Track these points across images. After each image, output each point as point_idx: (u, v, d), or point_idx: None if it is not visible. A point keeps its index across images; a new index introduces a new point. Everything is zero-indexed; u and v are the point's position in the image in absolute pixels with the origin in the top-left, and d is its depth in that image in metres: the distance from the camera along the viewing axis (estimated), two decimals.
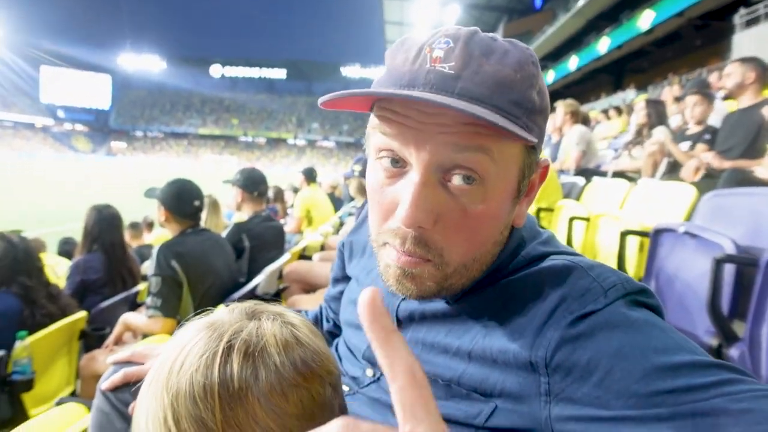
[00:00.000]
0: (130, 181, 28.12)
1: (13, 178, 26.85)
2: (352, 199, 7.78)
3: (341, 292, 0.99)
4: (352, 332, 0.85)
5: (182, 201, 2.45)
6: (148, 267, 2.44)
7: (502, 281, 0.67)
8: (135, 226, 6.66)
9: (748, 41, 11.67)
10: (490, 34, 0.61)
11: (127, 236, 6.55)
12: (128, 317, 2.37)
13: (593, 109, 14.42)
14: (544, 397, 0.55)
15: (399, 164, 0.60)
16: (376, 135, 0.61)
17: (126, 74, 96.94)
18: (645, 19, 19.18)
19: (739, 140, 2.99)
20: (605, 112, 10.59)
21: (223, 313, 0.57)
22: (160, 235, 6.25)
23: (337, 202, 7.74)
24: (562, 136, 5.28)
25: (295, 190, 9.20)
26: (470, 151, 0.56)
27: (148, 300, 2.24)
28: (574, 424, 0.52)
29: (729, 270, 1.48)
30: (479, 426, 0.60)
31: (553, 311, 0.58)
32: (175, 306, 2.26)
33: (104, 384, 0.86)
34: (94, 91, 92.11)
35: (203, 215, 2.80)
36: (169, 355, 0.53)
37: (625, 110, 9.33)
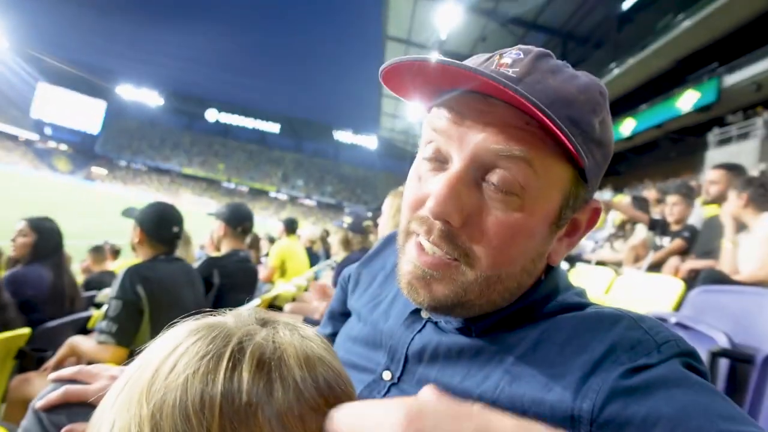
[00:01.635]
0: (102, 207, 27.54)
1: None
2: (328, 256, 7.69)
3: (334, 334, 0.91)
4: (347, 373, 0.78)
5: (161, 224, 2.35)
6: (106, 294, 2.30)
7: (533, 323, 0.61)
8: (98, 250, 6.38)
9: (719, 158, 12.39)
10: (563, 61, 0.61)
11: (89, 260, 6.32)
12: (76, 340, 2.17)
13: None
14: None
15: (441, 160, 0.59)
16: (428, 131, 0.60)
17: (122, 103, 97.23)
18: (626, 126, 20.34)
19: (717, 245, 3.10)
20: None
21: (224, 316, 0.47)
22: (124, 264, 6.02)
23: (313, 257, 7.65)
24: None
25: (271, 240, 9.11)
26: (513, 155, 0.54)
27: (103, 324, 2.07)
28: None
29: (722, 365, 1.46)
30: None
31: (600, 360, 0.52)
32: (130, 335, 2.09)
33: (39, 402, 0.71)
34: (86, 114, 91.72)
35: None
36: (153, 356, 0.43)
37: (603, 208, 9.65)
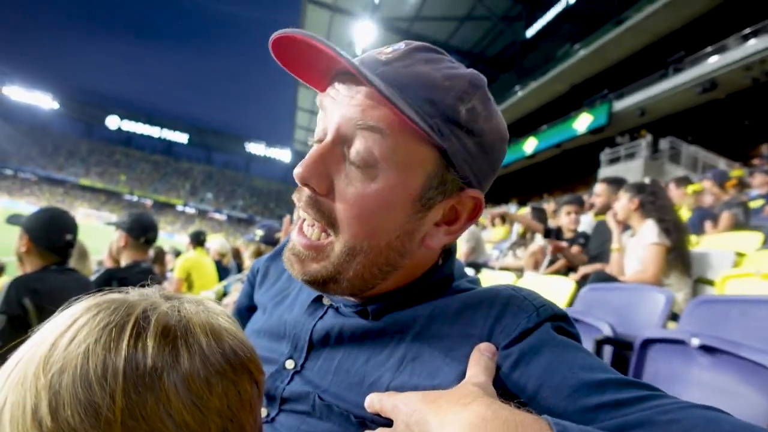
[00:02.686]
0: None
1: None
2: (240, 270, 7.45)
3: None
4: None
5: (52, 231, 2.14)
6: None
7: (427, 303, 0.65)
8: None
9: (610, 174, 13.62)
10: (449, 58, 0.64)
11: None
12: None
13: (481, 217, 15.64)
14: None
15: (322, 139, 0.62)
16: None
17: (9, 105, 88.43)
18: (529, 145, 21.75)
19: (606, 248, 3.42)
20: (492, 220, 11.56)
21: (126, 293, 0.46)
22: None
23: (223, 271, 7.38)
24: None
25: (177, 254, 8.68)
26: (368, 126, 0.57)
27: None
28: None
29: (607, 352, 1.61)
30: None
31: (488, 335, 0.58)
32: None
33: None
34: None
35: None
36: (48, 332, 0.40)
37: (508, 220, 10.24)
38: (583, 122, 18.05)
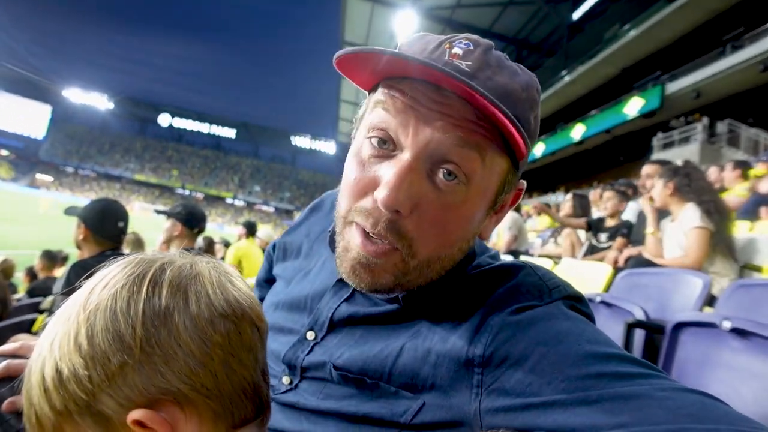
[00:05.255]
0: (47, 215, 26.35)
1: None
2: None
3: (261, 299, 0.94)
4: (272, 337, 0.79)
5: (106, 220, 2.32)
6: (51, 300, 2.23)
7: (452, 285, 0.67)
8: (49, 255, 6.13)
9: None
10: (504, 54, 0.62)
11: (39, 265, 6.08)
12: (22, 337, 2.12)
13: (526, 205, 15.34)
14: (475, 389, 0.55)
15: (388, 146, 0.59)
16: (376, 111, 0.60)
17: (68, 107, 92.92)
18: (577, 131, 21.07)
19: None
20: (536, 210, 11.27)
21: (149, 252, 0.55)
22: None
23: None
24: None
25: (227, 245, 8.98)
26: (468, 147, 0.56)
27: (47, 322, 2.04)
28: (503, 416, 0.52)
29: (639, 336, 1.59)
30: (405, 423, 0.59)
31: (498, 303, 0.60)
32: None
33: None
34: (30, 119, 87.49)
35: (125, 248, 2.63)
36: (88, 284, 0.50)
37: (555, 209, 10.00)
38: (633, 106, 17.33)
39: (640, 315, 1.60)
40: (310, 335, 0.72)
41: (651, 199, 3.04)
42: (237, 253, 5.78)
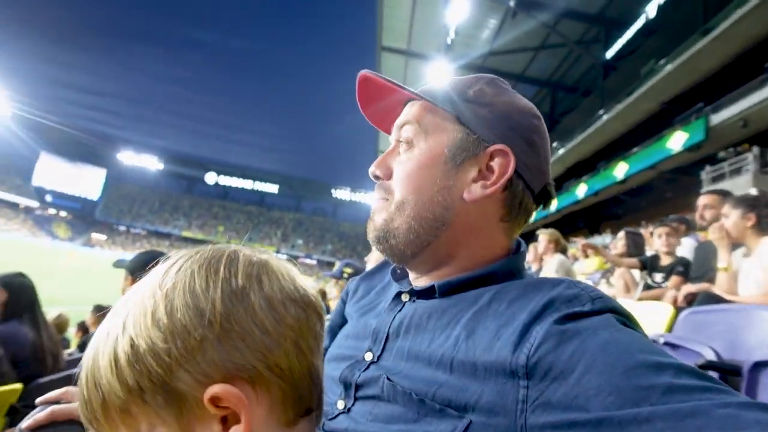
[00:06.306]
0: (100, 273, 27.41)
1: None
2: (329, 311, 7.55)
3: (326, 349, 0.94)
4: (335, 365, 0.81)
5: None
6: None
7: (492, 286, 0.69)
8: (100, 310, 6.27)
9: None
10: (529, 110, 0.78)
11: (90, 319, 6.22)
12: (72, 389, 2.09)
13: (572, 248, 14.88)
14: (521, 405, 0.53)
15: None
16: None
17: (122, 169, 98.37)
18: (620, 170, 20.55)
19: (711, 267, 3.02)
20: (584, 251, 10.87)
21: None
22: None
23: None
24: (542, 264, 5.32)
25: None
26: (407, 121, 0.79)
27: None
28: None
29: None
30: None
31: (540, 311, 0.58)
32: None
33: (26, 422, 0.74)
34: (87, 181, 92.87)
35: None
36: (155, 271, 0.51)
37: (594, 252, 9.61)
38: (677, 140, 16.79)
39: (710, 356, 1.40)
40: (368, 356, 0.75)
41: (723, 230, 2.76)
42: None
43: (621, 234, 5.00)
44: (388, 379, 0.66)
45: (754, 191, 3.00)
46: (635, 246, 4.71)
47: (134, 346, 0.45)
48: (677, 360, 0.48)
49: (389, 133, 0.86)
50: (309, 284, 0.57)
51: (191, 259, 0.50)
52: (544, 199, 0.80)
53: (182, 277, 0.48)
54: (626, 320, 0.58)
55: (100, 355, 0.47)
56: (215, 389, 0.44)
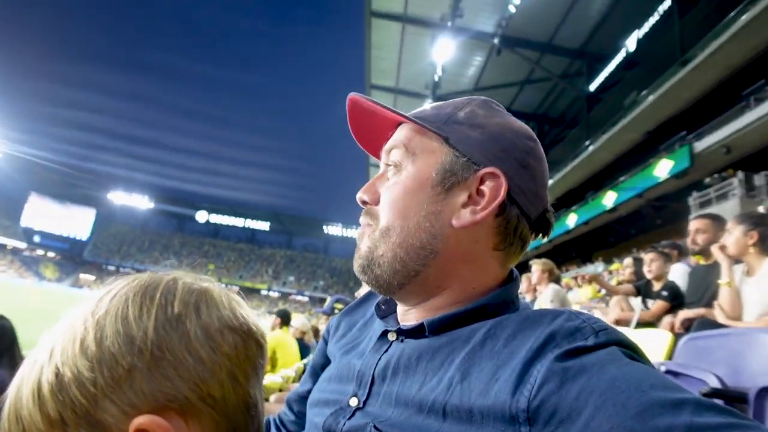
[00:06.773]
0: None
1: None
2: None
3: (309, 392, 0.88)
4: (317, 411, 0.77)
5: None
6: None
7: (484, 322, 0.64)
8: None
9: None
10: (523, 132, 0.74)
11: None
12: None
13: (565, 278, 14.87)
14: None
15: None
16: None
17: (112, 208, 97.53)
18: (608, 199, 20.79)
19: (707, 292, 3.03)
20: (576, 278, 10.84)
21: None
22: None
23: (304, 349, 7.40)
24: (537, 294, 5.31)
25: None
26: (395, 146, 0.75)
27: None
28: None
29: None
30: None
31: (540, 348, 0.53)
32: None
33: None
34: (76, 221, 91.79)
35: None
36: (91, 298, 0.50)
37: (589, 280, 9.60)
38: (663, 168, 17.08)
39: (714, 383, 1.38)
40: (353, 401, 0.69)
41: (723, 247, 2.74)
42: (271, 343, 5.62)
43: (628, 261, 5.01)
44: (375, 427, 0.61)
45: (762, 209, 3.01)
46: (640, 273, 4.71)
47: (59, 375, 0.43)
48: (694, 395, 0.44)
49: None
50: (250, 314, 0.56)
51: (128, 287, 0.49)
52: (542, 227, 0.74)
53: (116, 304, 0.47)
54: (633, 353, 0.53)
55: (24, 386, 0.45)
56: (141, 420, 0.43)
